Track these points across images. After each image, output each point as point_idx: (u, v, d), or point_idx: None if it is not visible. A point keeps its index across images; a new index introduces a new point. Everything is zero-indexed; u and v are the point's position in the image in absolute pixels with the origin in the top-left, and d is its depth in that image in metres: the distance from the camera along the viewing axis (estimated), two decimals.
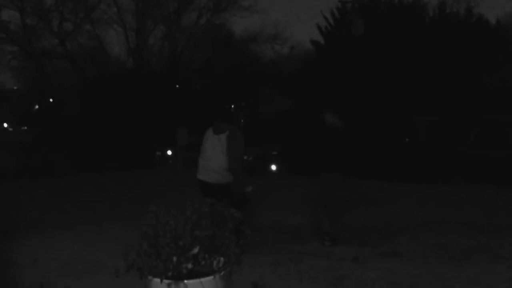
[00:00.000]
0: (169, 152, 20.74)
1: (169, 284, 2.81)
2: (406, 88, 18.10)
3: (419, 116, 18.77)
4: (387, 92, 17.59)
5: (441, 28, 18.91)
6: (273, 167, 18.00)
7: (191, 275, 2.89)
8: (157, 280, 2.83)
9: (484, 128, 19.47)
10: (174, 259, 2.91)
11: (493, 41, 19.42)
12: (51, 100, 23.64)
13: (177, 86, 23.78)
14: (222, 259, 2.98)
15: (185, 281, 2.83)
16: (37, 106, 24.82)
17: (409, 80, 18.13)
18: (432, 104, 18.31)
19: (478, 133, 19.97)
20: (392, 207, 7.85)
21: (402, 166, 16.55)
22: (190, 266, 2.92)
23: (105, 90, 21.99)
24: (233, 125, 5.16)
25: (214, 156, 5.08)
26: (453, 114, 18.63)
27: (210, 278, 2.86)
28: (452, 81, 18.33)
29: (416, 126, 19.54)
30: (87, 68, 23.20)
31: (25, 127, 23.99)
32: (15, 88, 25.63)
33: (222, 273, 2.91)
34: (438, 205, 8.16)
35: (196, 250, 2.94)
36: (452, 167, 16.93)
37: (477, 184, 11.91)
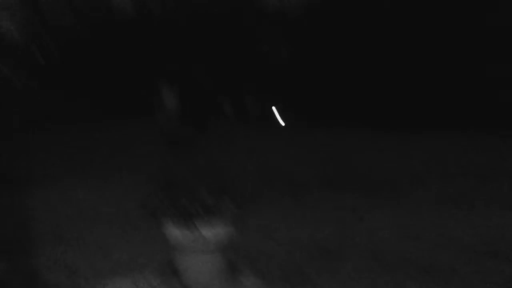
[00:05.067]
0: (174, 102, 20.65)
1: (183, 231, 2.90)
2: None
3: None
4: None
5: None
6: (278, 116, 17.98)
7: (203, 222, 2.96)
8: (172, 227, 2.92)
9: None
10: (187, 206, 2.97)
11: None
12: (48, 50, 23.29)
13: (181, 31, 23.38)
14: (232, 205, 3.05)
15: (199, 228, 2.90)
16: (39, 57, 24.57)
17: None
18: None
19: None
20: (404, 157, 7.89)
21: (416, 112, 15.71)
22: (201, 212, 2.98)
23: (105, 34, 21.56)
24: None
25: None
26: None
27: (222, 224, 2.93)
28: None
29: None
30: (84, 8, 22.71)
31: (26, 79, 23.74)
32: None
33: (233, 219, 2.98)
34: (448, 155, 8.16)
35: (207, 197, 3.00)
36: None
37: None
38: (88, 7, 23.02)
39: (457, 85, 15.07)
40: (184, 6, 21.71)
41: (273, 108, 15.78)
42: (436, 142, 9.46)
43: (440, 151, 8.54)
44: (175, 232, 2.92)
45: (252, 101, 19.68)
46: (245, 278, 3.39)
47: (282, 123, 15.98)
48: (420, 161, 7.66)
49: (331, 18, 17.43)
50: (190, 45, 22.11)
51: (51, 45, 22.38)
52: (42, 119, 16.08)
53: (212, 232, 2.90)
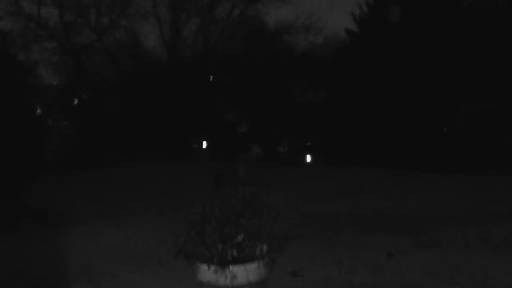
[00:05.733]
0: (205, 145, 21.01)
1: (215, 270, 2.93)
2: (446, 75, 17.66)
3: (463, 103, 18.15)
4: (426, 80, 17.27)
5: (479, 15, 18.29)
6: (308, 158, 18.01)
7: (236, 261, 3.00)
8: (205, 266, 2.95)
9: None
10: (220, 246, 3.02)
11: None
12: (85, 97, 24.23)
13: (210, 78, 23.95)
14: (265, 246, 3.08)
15: (231, 267, 2.94)
16: (76, 101, 25.53)
17: (449, 67, 17.70)
18: (476, 92, 17.68)
19: None
20: (433, 198, 7.79)
21: (443, 157, 16.05)
22: (234, 253, 3.03)
23: (141, 83, 22.40)
24: None
25: None
26: (499, 103, 17.97)
27: (254, 264, 2.96)
28: (493, 69, 17.75)
29: (459, 115, 18.86)
30: (124, 62, 23.66)
31: (65, 122, 24.61)
32: (55, 83, 26.35)
33: (266, 260, 3.00)
34: (480, 196, 8.02)
35: (240, 238, 3.05)
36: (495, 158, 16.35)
37: None
38: (125, 56, 23.91)
39: (483, 131, 15.02)
40: (212, 53, 22.37)
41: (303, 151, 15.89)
42: (468, 183, 9.30)
43: (473, 192, 8.37)
44: (205, 269, 2.95)
45: (279, 142, 19.82)
46: None
47: (309, 161, 16.00)
48: (452, 202, 7.52)
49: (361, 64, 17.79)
50: (220, 89, 22.64)
51: (88, 92, 23.06)
52: (75, 160, 16.59)
53: (242, 268, 2.92)
